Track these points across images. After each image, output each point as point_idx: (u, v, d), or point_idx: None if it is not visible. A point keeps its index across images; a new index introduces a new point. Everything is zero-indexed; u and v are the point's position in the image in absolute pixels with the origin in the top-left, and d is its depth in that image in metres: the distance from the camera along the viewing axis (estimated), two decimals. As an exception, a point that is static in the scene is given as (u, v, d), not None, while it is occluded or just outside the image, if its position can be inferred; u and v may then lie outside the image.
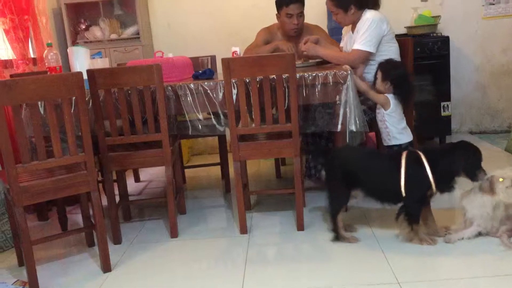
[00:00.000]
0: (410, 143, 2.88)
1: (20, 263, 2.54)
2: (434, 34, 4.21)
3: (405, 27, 4.29)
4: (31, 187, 2.22)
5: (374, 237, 2.52)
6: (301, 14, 3.37)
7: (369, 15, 3.02)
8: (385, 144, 2.92)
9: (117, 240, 2.75)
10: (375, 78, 2.86)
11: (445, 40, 4.10)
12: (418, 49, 4.00)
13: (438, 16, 4.25)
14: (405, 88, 2.81)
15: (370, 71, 3.04)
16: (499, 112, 4.56)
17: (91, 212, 2.56)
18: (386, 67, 2.82)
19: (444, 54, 4.10)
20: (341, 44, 3.37)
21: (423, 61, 4.00)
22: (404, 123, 2.87)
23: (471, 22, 4.43)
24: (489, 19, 4.42)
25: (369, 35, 2.97)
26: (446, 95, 4.17)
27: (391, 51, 3.07)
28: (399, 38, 3.22)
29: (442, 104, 4.15)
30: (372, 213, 2.85)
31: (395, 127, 2.83)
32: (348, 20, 3.13)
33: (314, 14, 4.16)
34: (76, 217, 3.20)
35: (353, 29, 3.16)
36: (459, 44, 4.42)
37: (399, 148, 2.82)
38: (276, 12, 3.43)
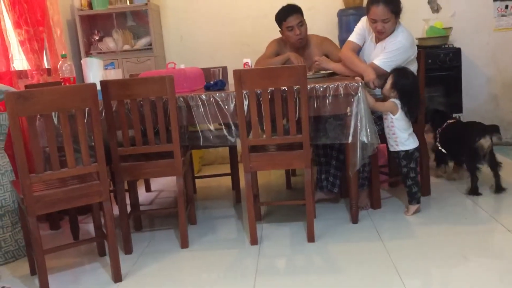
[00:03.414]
0: (416, 149, 2.89)
1: (33, 272, 2.56)
2: (446, 46, 4.21)
3: (416, 39, 4.27)
4: (44, 196, 2.24)
5: (385, 250, 2.51)
6: (301, 24, 3.36)
7: (402, 37, 2.95)
8: (392, 149, 2.93)
9: (128, 250, 2.76)
10: (384, 82, 2.86)
11: (457, 51, 4.09)
12: (430, 61, 4.00)
13: (450, 28, 4.25)
14: (412, 100, 2.82)
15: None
16: (511, 124, 4.53)
17: (102, 222, 2.58)
18: (398, 75, 2.83)
19: (456, 65, 4.10)
20: (351, 39, 3.20)
21: (434, 73, 4.00)
22: (411, 129, 2.90)
23: (483, 33, 4.42)
24: (501, 31, 4.41)
25: (393, 56, 2.93)
26: (458, 107, 4.15)
27: (411, 70, 3.04)
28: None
29: (454, 115, 4.13)
30: (383, 224, 2.84)
31: (402, 133, 2.85)
32: (392, 29, 2.98)
33: (325, 26, 4.19)
34: (87, 227, 3.22)
35: (376, 40, 3.12)
36: (471, 55, 4.41)
37: (407, 153, 2.86)
38: (279, 29, 3.45)
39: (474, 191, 3.17)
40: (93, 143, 2.33)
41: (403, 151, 2.87)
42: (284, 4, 3.43)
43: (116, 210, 2.87)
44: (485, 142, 3.09)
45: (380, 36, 3.04)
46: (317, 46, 3.45)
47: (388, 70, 2.93)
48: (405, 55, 2.96)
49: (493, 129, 3.18)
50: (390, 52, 2.94)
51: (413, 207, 2.95)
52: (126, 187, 3.00)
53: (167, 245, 2.84)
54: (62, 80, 2.99)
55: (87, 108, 2.39)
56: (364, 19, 3.17)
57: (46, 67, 3.77)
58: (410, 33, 3.01)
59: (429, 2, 4.44)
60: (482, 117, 4.50)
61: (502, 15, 4.39)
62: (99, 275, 2.53)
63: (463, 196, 3.22)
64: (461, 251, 2.44)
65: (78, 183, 2.35)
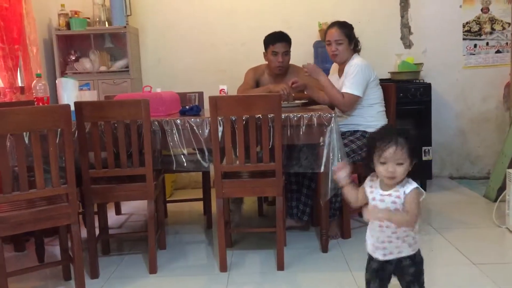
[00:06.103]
0: None
1: (-7, 295, 2.48)
2: (417, 81, 4.34)
3: (389, 72, 4.41)
4: (10, 217, 2.19)
5: (354, 280, 2.53)
6: (286, 53, 3.47)
7: (357, 60, 3.13)
8: (402, 255, 1.91)
9: (95, 274, 2.70)
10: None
11: (427, 86, 4.22)
12: (401, 94, 4.11)
13: (421, 64, 4.39)
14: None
15: (357, 114, 3.13)
16: (478, 158, 4.66)
17: (69, 245, 2.53)
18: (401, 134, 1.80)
19: (426, 100, 4.21)
20: None
21: (405, 106, 4.09)
22: None
23: (453, 70, 4.57)
24: (469, 69, 4.58)
25: (356, 78, 3.06)
26: (427, 140, 4.25)
27: (376, 96, 3.16)
28: (383, 83, 3.33)
29: (423, 148, 4.23)
30: (352, 254, 2.86)
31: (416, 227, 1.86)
32: (345, 55, 3.18)
33: (302, 56, 4.26)
34: (53, 249, 3.14)
35: (339, 73, 3.24)
36: (441, 91, 4.55)
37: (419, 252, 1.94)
38: (264, 51, 3.53)
39: None
40: (63, 164, 2.30)
41: (416, 252, 1.91)
42: (263, 34, 3.52)
43: (83, 232, 2.82)
44: None
45: (335, 59, 3.23)
46: (294, 75, 3.52)
47: (360, 94, 3.05)
48: (366, 75, 3.09)
49: None
50: (352, 76, 3.08)
51: None
52: (96, 209, 2.96)
53: (135, 270, 2.80)
54: (35, 99, 2.96)
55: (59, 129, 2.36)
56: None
57: (20, 85, 3.73)
58: (364, 59, 3.17)
59: (401, 38, 4.59)
60: (450, 150, 4.65)
61: (471, 54, 4.56)
62: (63, 299, 2.47)
63: (429, 227, 3.28)
64: (428, 282, 2.47)
65: (46, 205, 2.31)
